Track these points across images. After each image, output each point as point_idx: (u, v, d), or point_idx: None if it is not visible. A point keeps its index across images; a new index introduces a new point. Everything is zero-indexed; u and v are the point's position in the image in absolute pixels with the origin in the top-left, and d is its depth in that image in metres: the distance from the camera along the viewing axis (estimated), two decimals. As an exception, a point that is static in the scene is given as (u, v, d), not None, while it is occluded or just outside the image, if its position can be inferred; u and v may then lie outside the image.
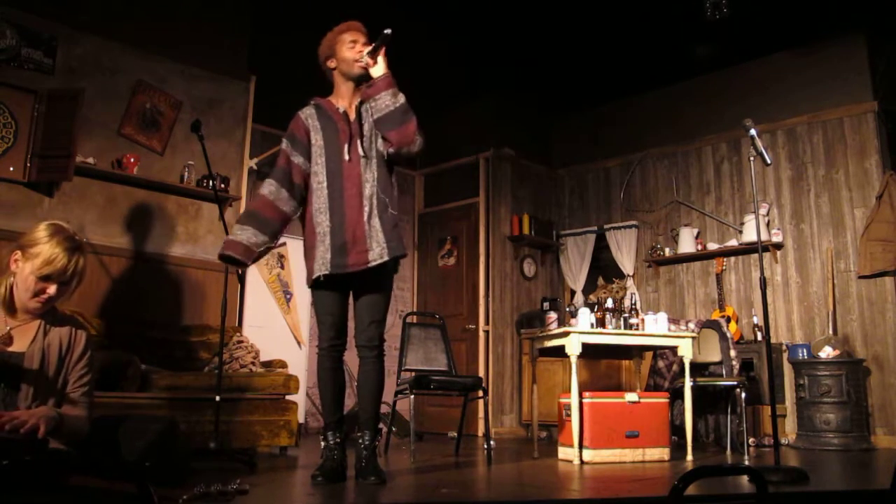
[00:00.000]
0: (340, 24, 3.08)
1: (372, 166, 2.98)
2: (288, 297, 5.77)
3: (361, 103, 3.05)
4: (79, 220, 4.50)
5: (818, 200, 6.02)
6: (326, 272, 2.89)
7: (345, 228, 2.91)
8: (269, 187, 3.00)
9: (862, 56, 5.92)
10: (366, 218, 2.92)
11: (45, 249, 2.11)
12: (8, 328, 2.14)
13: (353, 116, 3.03)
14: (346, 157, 2.96)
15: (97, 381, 2.40)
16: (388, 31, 2.87)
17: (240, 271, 3.01)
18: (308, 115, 3.07)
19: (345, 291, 2.99)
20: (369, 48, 2.93)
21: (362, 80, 3.00)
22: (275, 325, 5.59)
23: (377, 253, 2.89)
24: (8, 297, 2.15)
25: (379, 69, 2.93)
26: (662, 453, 4.18)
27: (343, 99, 3.07)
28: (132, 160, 4.71)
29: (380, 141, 3.02)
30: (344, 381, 3.04)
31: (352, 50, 2.99)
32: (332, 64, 3.06)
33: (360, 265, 2.89)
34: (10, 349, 2.11)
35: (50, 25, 4.50)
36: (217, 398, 3.63)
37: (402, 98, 2.94)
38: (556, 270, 7.61)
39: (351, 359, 3.02)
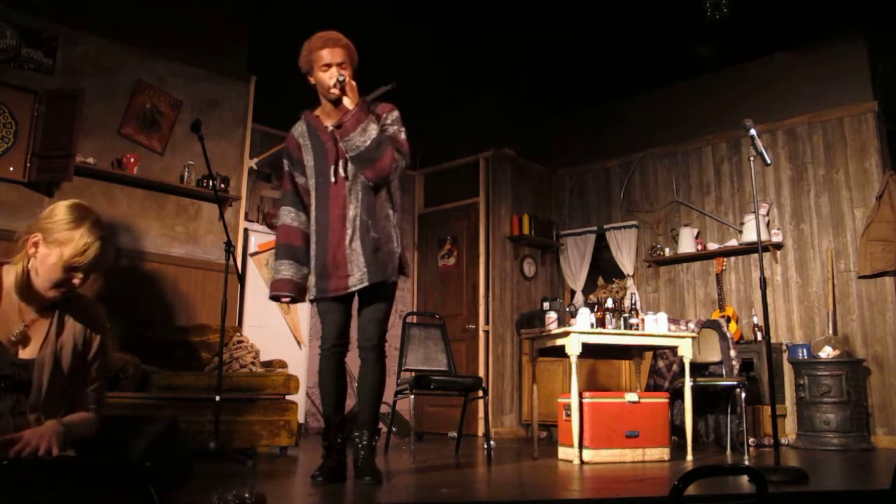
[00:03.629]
0: (315, 35, 2.96)
1: (356, 188, 2.93)
2: (288, 297, 5.76)
3: None
4: (79, 220, 4.50)
5: (818, 200, 6.02)
6: (312, 297, 2.94)
7: (327, 252, 2.90)
8: (289, 215, 3.03)
9: (862, 56, 5.92)
10: (347, 241, 2.88)
11: (76, 237, 1.92)
12: (23, 325, 1.98)
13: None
14: (332, 180, 2.94)
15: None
16: (342, 78, 2.84)
17: (288, 302, 3.05)
18: (300, 132, 3.04)
19: (349, 294, 2.99)
20: (339, 76, 2.86)
21: (340, 102, 2.91)
22: (275, 325, 5.59)
23: (357, 278, 2.87)
24: (24, 282, 1.96)
25: (347, 102, 2.86)
26: (662, 453, 4.18)
27: (329, 117, 2.99)
28: (132, 160, 4.72)
29: None
30: (345, 381, 3.04)
31: (325, 73, 2.89)
32: (311, 80, 2.99)
33: (340, 290, 2.89)
34: (25, 354, 1.98)
35: (50, 25, 4.51)
36: (217, 398, 3.63)
37: (372, 132, 2.84)
38: (556, 270, 7.61)
39: (352, 359, 3.02)
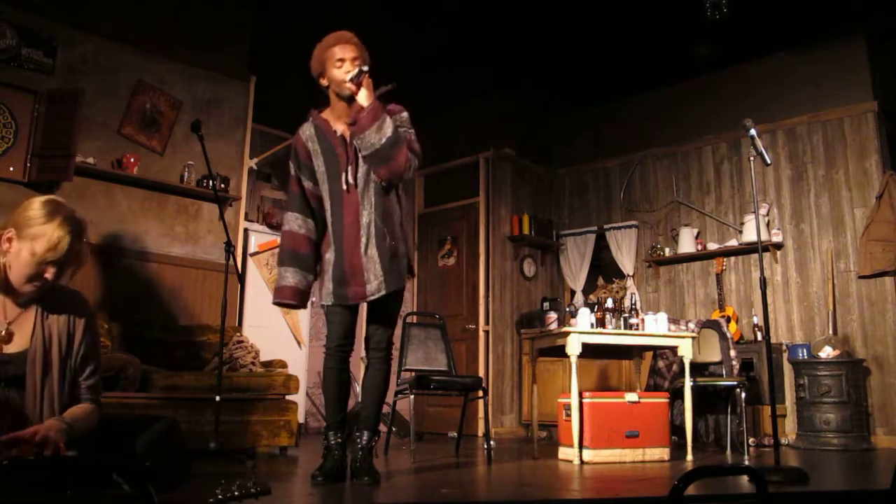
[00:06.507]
0: (328, 36, 2.94)
1: (369, 193, 2.90)
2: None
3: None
4: (79, 220, 4.50)
5: (818, 200, 6.02)
6: (329, 303, 2.91)
7: (343, 259, 2.87)
8: (294, 221, 2.97)
9: (862, 56, 5.92)
10: (363, 249, 2.86)
11: (47, 231, 1.93)
12: (6, 322, 2.00)
13: (349, 139, 2.92)
14: (344, 186, 2.90)
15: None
16: (365, 68, 2.83)
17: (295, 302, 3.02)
18: (308, 136, 2.98)
19: None
20: (353, 73, 2.84)
21: (354, 100, 2.88)
22: (275, 325, 5.59)
23: (374, 287, 2.86)
24: (2, 278, 1.97)
25: (362, 98, 2.84)
26: (662, 453, 4.18)
27: (340, 119, 2.95)
28: (132, 160, 4.72)
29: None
30: (348, 381, 3.04)
31: (339, 69, 2.86)
32: (324, 82, 2.95)
33: (359, 298, 2.88)
34: (10, 349, 2.00)
35: (50, 25, 4.51)
36: (217, 398, 3.63)
37: (388, 130, 2.82)
38: (556, 270, 7.61)
39: (353, 361, 3.02)
